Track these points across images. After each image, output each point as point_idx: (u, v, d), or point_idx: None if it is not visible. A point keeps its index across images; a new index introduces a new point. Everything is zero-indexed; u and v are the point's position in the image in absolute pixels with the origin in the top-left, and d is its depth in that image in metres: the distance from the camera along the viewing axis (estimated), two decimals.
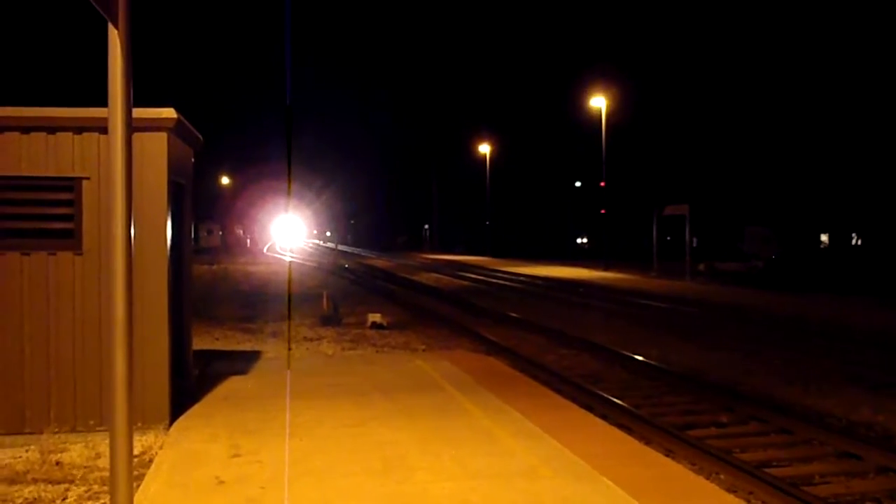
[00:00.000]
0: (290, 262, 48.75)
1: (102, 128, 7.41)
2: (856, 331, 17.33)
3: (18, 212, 7.73)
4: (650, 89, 56.10)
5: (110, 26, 4.05)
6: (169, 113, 7.85)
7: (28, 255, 7.68)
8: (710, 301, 24.04)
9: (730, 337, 16.78)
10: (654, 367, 12.80)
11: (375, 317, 17.61)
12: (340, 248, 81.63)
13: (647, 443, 8.03)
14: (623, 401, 10.23)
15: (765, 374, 12.54)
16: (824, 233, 51.76)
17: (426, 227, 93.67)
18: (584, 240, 73.58)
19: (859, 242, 51.01)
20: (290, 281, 29.75)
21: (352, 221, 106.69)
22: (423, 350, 14.10)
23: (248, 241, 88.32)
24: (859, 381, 11.92)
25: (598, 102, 44.31)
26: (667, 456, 7.45)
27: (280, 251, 70.04)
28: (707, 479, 6.91)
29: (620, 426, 8.66)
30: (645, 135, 57.10)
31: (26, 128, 7.68)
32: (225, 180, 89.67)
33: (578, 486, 6.03)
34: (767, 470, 7.56)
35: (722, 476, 7.45)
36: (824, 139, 46.16)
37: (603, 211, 44.55)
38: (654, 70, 57.41)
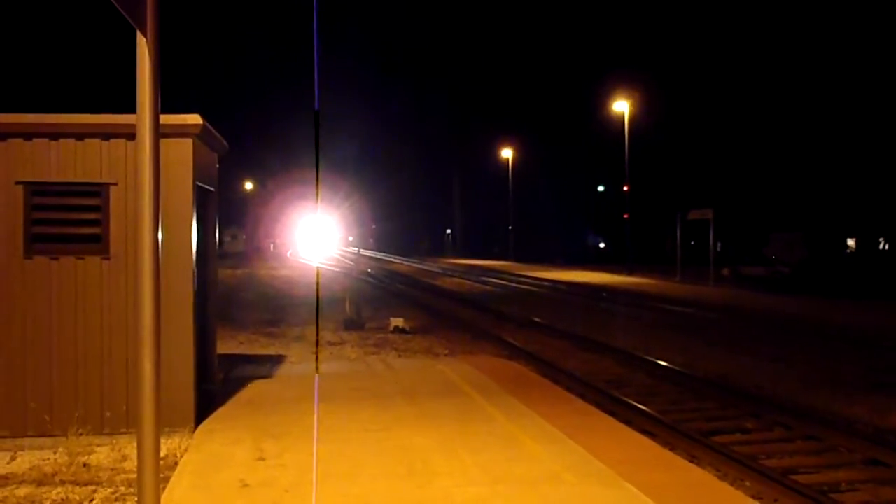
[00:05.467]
0: (316, 267, 48.95)
1: (130, 134, 7.49)
2: (884, 336, 17.11)
3: (47, 217, 7.84)
4: (674, 93, 55.79)
5: (139, 34, 4.10)
6: (194, 119, 7.93)
7: (57, 259, 7.79)
8: (735, 306, 23.85)
9: (755, 342, 16.64)
10: (678, 372, 12.72)
11: (398, 321, 17.64)
12: (363, 252, 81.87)
13: (672, 448, 7.99)
14: (647, 406, 10.18)
15: (791, 380, 12.42)
16: (851, 237, 51.13)
17: (448, 231, 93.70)
18: (605, 244, 73.23)
19: (887, 247, 50.35)
20: (318, 285, 29.88)
21: (373, 226, 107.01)
22: (446, 354, 14.12)
23: (273, 246, 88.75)
24: (887, 388, 11.77)
25: (622, 106, 44.16)
26: (691, 462, 7.41)
27: (305, 258, 70.24)
28: (732, 485, 6.86)
29: (644, 432, 8.62)
30: (669, 138, 56.80)
31: (55, 134, 7.79)
32: (249, 185, 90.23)
33: (603, 491, 6.00)
34: (793, 477, 7.49)
35: (747, 482, 7.39)
36: (850, 143, 45.65)
37: (626, 215, 44.35)
38: (677, 73, 57.10)
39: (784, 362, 14.12)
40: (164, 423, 7.35)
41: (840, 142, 46.32)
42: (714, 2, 58.62)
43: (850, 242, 51.33)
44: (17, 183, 7.73)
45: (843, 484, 7.49)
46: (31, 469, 6.91)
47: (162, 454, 6.77)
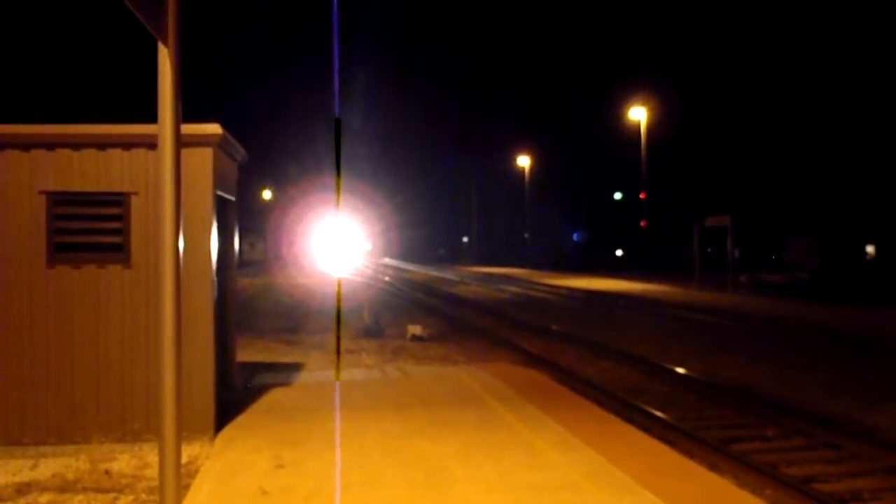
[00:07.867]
0: (335, 276, 49.01)
1: (151, 144, 7.62)
2: None
3: (69, 226, 7.92)
4: (690, 100, 55.69)
5: (160, 44, 4.16)
6: (214, 129, 8.00)
7: (78, 268, 7.87)
8: (754, 313, 23.69)
9: (774, 350, 16.52)
10: (697, 379, 12.65)
11: (416, 329, 17.65)
12: (381, 261, 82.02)
13: (691, 457, 7.94)
14: (665, 414, 10.14)
15: (810, 388, 12.33)
16: (870, 244, 50.68)
17: (465, 239, 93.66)
18: (622, 252, 72.96)
19: None
20: (339, 293, 29.95)
21: (392, 234, 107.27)
22: (464, 362, 14.10)
23: (293, 254, 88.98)
24: None
25: (639, 113, 44.06)
26: (711, 470, 7.37)
27: (325, 266, 70.33)
28: (752, 494, 6.82)
29: (663, 439, 8.58)
30: (685, 145, 56.67)
31: (77, 144, 7.88)
32: (269, 194, 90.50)
33: (622, 499, 5.99)
34: (814, 485, 7.44)
35: (767, 491, 7.34)
36: (869, 149, 45.36)
37: (643, 223, 44.19)
38: (694, 80, 57.02)
39: (804, 369, 14.01)
40: (185, 431, 7.41)
41: (859, 147, 46.00)
42: (730, 9, 58.45)
43: (870, 248, 50.89)
44: (40, 192, 7.84)
45: (866, 493, 7.42)
46: (53, 476, 6.97)
47: (182, 462, 6.82)
